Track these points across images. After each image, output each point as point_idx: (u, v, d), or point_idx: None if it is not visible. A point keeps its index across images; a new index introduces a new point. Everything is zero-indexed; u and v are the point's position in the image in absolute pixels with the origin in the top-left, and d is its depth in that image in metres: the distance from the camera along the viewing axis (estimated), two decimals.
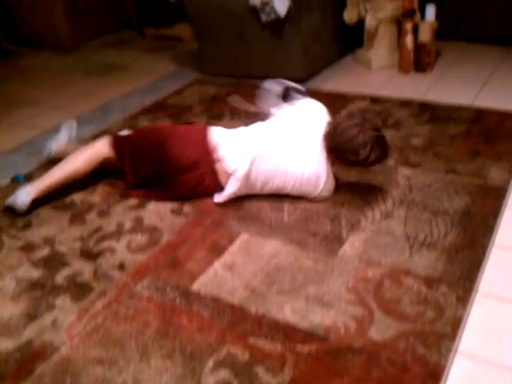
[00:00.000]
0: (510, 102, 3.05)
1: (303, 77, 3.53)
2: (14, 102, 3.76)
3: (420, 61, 3.60)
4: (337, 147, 2.17)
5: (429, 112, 3.02)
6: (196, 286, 1.84)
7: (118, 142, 2.40)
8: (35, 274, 1.98)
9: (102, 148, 2.40)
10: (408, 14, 3.53)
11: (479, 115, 2.93)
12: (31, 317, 1.77)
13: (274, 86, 2.57)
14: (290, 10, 3.32)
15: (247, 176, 2.22)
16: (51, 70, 4.44)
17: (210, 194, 2.33)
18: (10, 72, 4.46)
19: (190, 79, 3.87)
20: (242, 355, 1.56)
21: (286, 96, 2.54)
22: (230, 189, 2.27)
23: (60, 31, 4.93)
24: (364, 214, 2.16)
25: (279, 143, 2.26)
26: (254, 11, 3.44)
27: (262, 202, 2.29)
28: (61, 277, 1.95)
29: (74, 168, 2.38)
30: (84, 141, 2.87)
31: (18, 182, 2.63)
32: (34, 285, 1.92)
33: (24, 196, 2.31)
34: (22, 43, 5.11)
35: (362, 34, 3.80)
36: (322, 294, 1.76)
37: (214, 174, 2.28)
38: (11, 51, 5.02)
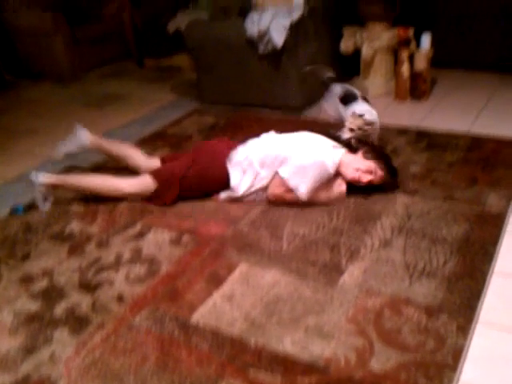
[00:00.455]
0: (506, 129, 3.08)
1: (300, 105, 3.56)
2: (15, 132, 3.80)
3: (416, 88, 3.64)
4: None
5: (426, 139, 3.04)
6: (195, 318, 1.83)
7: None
8: (33, 306, 1.97)
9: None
10: (404, 42, 3.59)
11: (476, 142, 2.95)
12: (29, 350, 1.76)
13: (337, 89, 2.93)
14: (286, 41, 3.37)
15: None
16: (52, 101, 4.49)
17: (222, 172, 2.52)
18: (12, 103, 4.51)
19: (190, 109, 3.91)
20: None
21: (345, 100, 2.86)
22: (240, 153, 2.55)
23: (60, 62, 5.00)
24: (363, 243, 2.16)
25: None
26: (252, 42, 3.49)
27: (261, 231, 2.29)
28: (59, 309, 1.94)
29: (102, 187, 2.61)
30: (84, 169, 2.91)
31: (17, 213, 2.64)
32: (32, 317, 1.91)
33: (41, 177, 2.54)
34: (24, 75, 5.19)
35: (359, 62, 3.85)
36: (322, 325, 1.75)
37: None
38: (12, 83, 5.09)
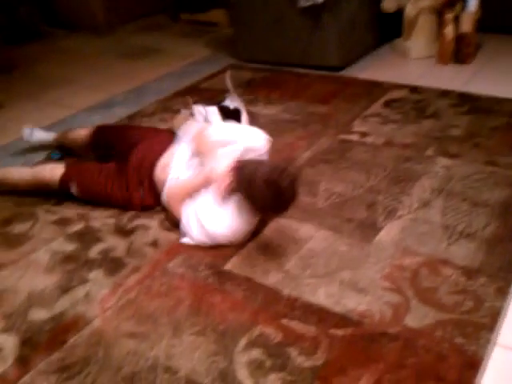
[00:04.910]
0: None
1: (339, 64, 3.48)
2: (49, 81, 3.80)
3: (460, 52, 3.51)
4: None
5: (468, 103, 2.94)
6: (229, 266, 1.83)
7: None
8: (69, 247, 1.99)
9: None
10: (449, 3, 3.45)
11: None
12: (64, 289, 1.79)
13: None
14: None
15: None
16: (87, 52, 4.48)
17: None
18: (46, 53, 4.51)
19: (224, 64, 3.85)
20: (275, 336, 1.54)
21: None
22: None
23: (96, 14, 4.96)
24: (401, 202, 2.11)
25: None
26: None
27: None
28: (94, 251, 1.96)
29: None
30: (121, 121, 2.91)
31: (52, 159, 2.65)
32: (68, 258, 1.94)
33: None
34: (59, 25, 5.16)
35: (400, 24, 3.73)
36: (357, 280, 1.73)
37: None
38: (48, 32, 5.07)
